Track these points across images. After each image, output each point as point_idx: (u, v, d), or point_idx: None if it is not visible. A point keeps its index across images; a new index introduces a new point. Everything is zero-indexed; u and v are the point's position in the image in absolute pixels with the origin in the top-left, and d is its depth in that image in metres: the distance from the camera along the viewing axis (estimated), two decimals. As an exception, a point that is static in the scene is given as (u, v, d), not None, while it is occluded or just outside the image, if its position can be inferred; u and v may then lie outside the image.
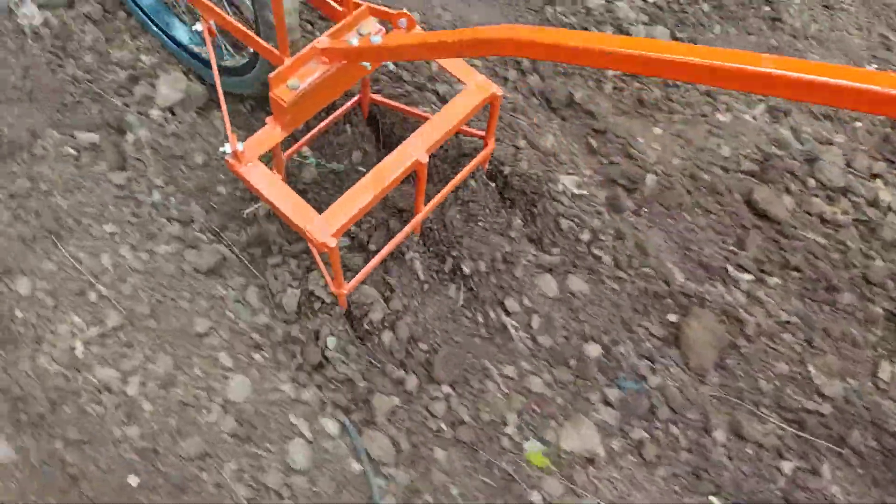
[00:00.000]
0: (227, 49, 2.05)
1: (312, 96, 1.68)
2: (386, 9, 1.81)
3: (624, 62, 1.01)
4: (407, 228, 1.91)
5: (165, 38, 2.15)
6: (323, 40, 1.64)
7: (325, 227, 1.60)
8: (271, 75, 1.59)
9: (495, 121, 1.95)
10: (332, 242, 1.59)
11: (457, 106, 1.81)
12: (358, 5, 1.70)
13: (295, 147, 2.00)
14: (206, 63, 2.06)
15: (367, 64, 1.66)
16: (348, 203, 1.64)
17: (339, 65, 1.67)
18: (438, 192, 1.94)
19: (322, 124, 2.05)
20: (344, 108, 2.09)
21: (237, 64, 1.96)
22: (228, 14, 1.71)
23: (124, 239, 1.96)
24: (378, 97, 2.12)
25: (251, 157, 1.67)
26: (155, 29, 2.15)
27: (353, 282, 1.81)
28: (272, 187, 1.65)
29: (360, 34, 1.71)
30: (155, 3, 2.18)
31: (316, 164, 2.07)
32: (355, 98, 2.11)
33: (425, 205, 1.91)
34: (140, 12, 2.16)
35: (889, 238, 2.11)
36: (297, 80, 1.62)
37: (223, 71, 1.97)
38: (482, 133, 2.04)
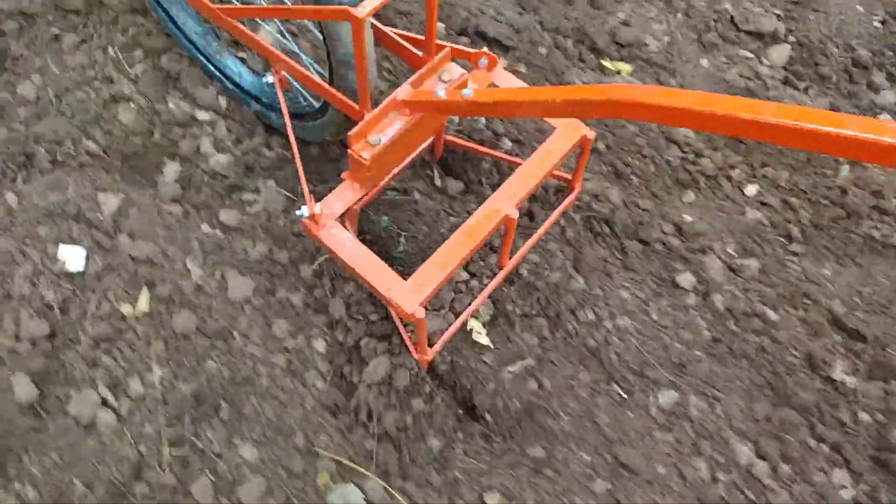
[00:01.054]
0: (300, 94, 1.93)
1: (393, 150, 1.55)
2: (465, 48, 1.67)
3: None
4: (492, 284, 1.76)
5: (224, 80, 2.03)
6: (404, 90, 1.51)
7: (412, 296, 1.47)
8: (351, 132, 1.46)
9: (584, 163, 1.80)
10: (421, 313, 1.45)
11: (547, 153, 1.66)
12: (441, 48, 1.57)
13: (367, 198, 1.87)
14: (271, 106, 1.95)
15: (451, 113, 1.53)
16: (436, 268, 1.50)
17: (421, 114, 1.54)
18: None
19: (394, 171, 1.92)
20: (418, 150, 1.95)
21: (307, 109, 1.84)
22: (303, 64, 1.59)
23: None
24: (455, 138, 1.99)
25: (328, 219, 1.55)
26: (212, 69, 2.04)
27: (437, 346, 1.67)
28: (353, 251, 1.52)
29: (443, 80, 1.57)
30: (205, 37, 2.06)
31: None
32: (430, 139, 1.97)
33: (510, 257, 1.77)
34: (196, 52, 2.04)
35: None
36: (377, 134, 1.49)
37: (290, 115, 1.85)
38: (568, 176, 1.89)
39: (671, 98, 1.02)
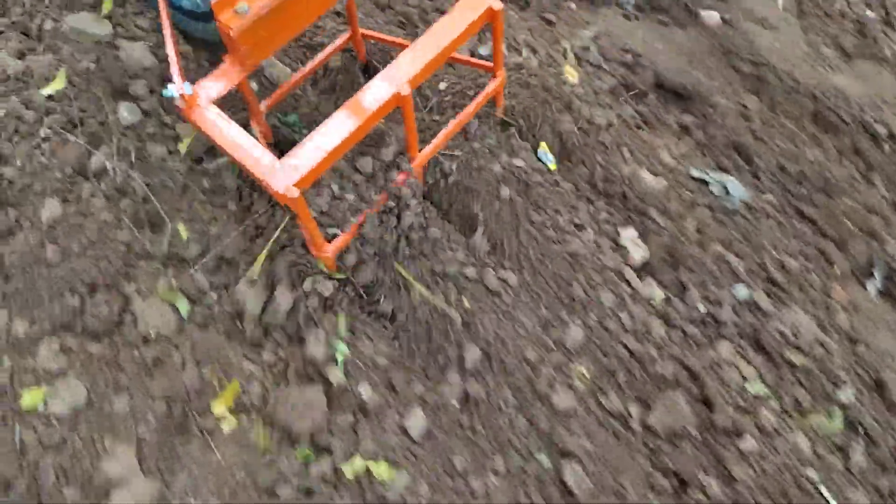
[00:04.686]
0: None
1: (270, 23, 1.42)
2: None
3: None
4: (402, 177, 1.64)
5: None
6: (271, -51, 1.38)
7: (286, 176, 1.35)
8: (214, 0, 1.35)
9: (501, 44, 1.65)
10: (294, 192, 1.34)
11: (444, 27, 1.52)
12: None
13: (275, 96, 1.76)
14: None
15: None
16: (314, 146, 1.39)
17: (298, -16, 1.41)
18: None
19: (307, 68, 1.80)
20: (332, 47, 1.83)
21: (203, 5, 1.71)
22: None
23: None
24: (370, 32, 1.86)
25: (204, 100, 1.44)
26: None
27: (339, 241, 1.56)
28: (227, 133, 1.41)
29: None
30: None
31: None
32: (345, 36, 1.85)
33: (421, 150, 1.64)
34: None
35: None
36: (244, 3, 1.38)
37: (191, 15, 1.73)
38: (489, 63, 1.74)
39: None
